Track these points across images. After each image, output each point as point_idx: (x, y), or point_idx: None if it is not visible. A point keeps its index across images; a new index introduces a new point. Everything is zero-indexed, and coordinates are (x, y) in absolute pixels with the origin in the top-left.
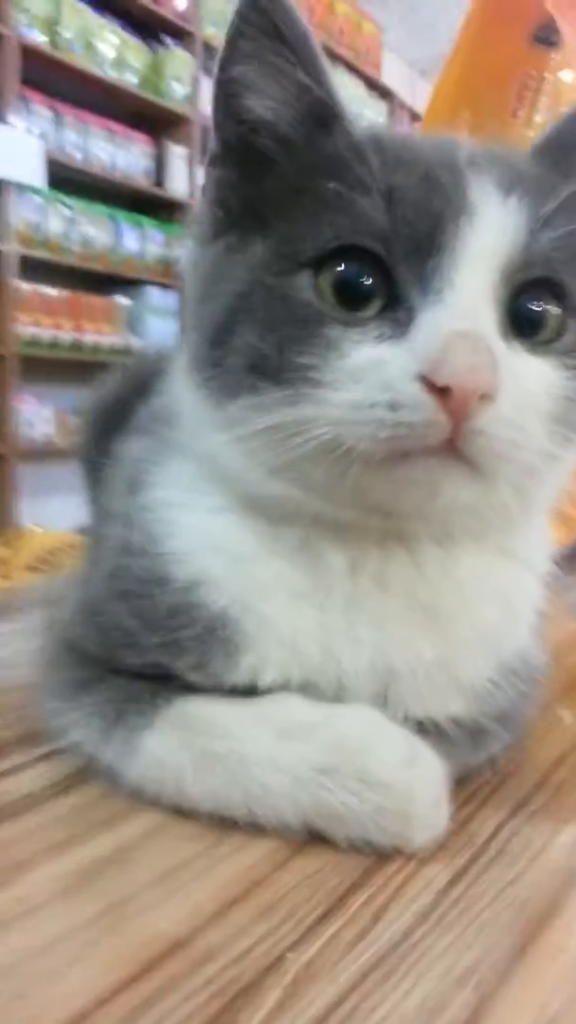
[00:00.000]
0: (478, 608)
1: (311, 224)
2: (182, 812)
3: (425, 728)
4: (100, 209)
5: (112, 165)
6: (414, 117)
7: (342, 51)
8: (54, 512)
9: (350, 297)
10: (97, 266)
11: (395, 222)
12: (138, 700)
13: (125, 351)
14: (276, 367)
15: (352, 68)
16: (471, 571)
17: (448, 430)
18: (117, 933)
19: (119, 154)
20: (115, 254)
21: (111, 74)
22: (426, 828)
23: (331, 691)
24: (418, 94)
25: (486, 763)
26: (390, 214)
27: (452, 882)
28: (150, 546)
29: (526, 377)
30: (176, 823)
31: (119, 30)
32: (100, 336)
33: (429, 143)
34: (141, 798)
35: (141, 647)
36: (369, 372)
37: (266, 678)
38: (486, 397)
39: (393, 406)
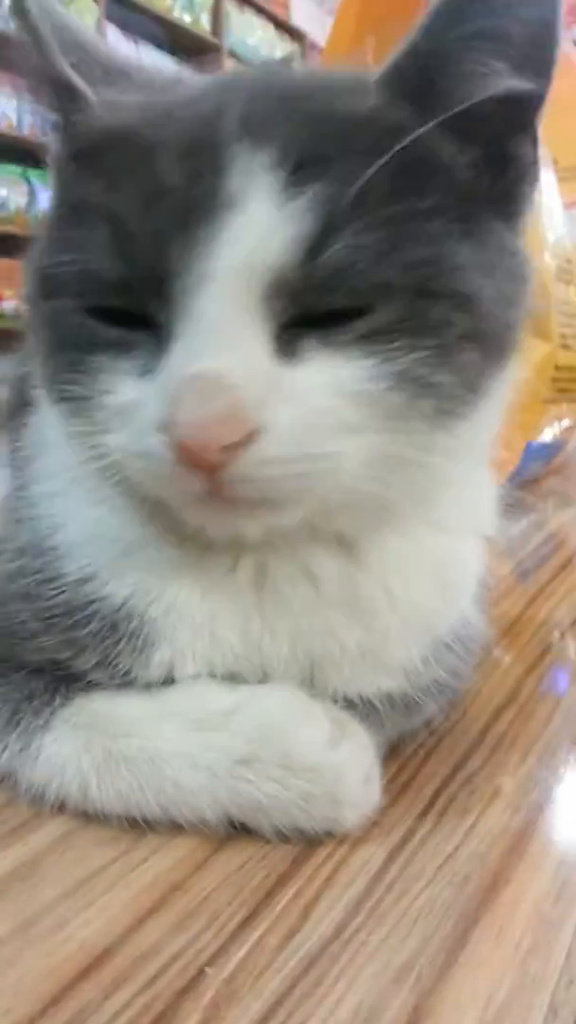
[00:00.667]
0: (407, 594)
1: (60, 263)
2: (92, 817)
3: (354, 704)
4: (11, 169)
5: (19, 123)
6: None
7: None
8: None
9: (117, 323)
10: (12, 228)
11: (127, 252)
12: (34, 698)
13: None
14: (56, 395)
15: (261, 10)
16: (398, 554)
17: (203, 481)
18: (18, 965)
19: (25, 110)
20: (30, 214)
21: (9, 25)
22: (357, 807)
23: (255, 679)
24: (328, 33)
25: (421, 726)
26: (119, 246)
27: (387, 863)
28: (40, 542)
29: (307, 391)
30: (88, 828)
31: None
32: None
33: (191, 108)
34: (43, 805)
35: (41, 646)
36: (129, 415)
37: (186, 670)
38: (232, 447)
39: (144, 456)
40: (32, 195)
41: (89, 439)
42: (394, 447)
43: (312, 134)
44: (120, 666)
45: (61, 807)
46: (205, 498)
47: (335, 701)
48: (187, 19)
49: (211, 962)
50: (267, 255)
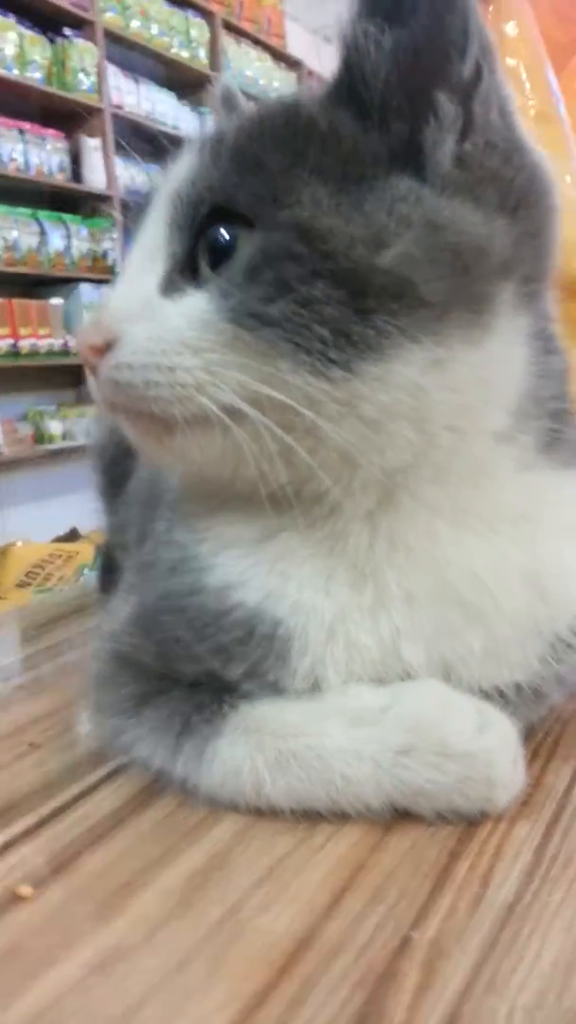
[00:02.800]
0: (506, 600)
1: None
2: (264, 812)
3: (487, 694)
4: (21, 211)
5: (26, 164)
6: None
7: (245, 25)
8: (22, 523)
9: None
10: (25, 269)
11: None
12: (203, 710)
13: (64, 352)
14: None
15: (257, 41)
16: (481, 561)
17: (96, 387)
18: (241, 940)
19: (33, 152)
20: (42, 255)
21: (14, 72)
22: (508, 788)
23: (396, 679)
24: (325, 60)
25: (547, 713)
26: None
27: (546, 836)
28: (186, 557)
29: (162, 316)
30: (262, 822)
31: (16, 25)
32: (38, 340)
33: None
34: (218, 805)
35: (195, 656)
36: None
37: (330, 681)
38: (103, 348)
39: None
40: (43, 235)
41: None
42: (253, 380)
43: (226, 126)
44: (268, 676)
45: (231, 808)
46: (111, 409)
47: (470, 692)
48: (185, 55)
49: (414, 927)
50: (173, 187)
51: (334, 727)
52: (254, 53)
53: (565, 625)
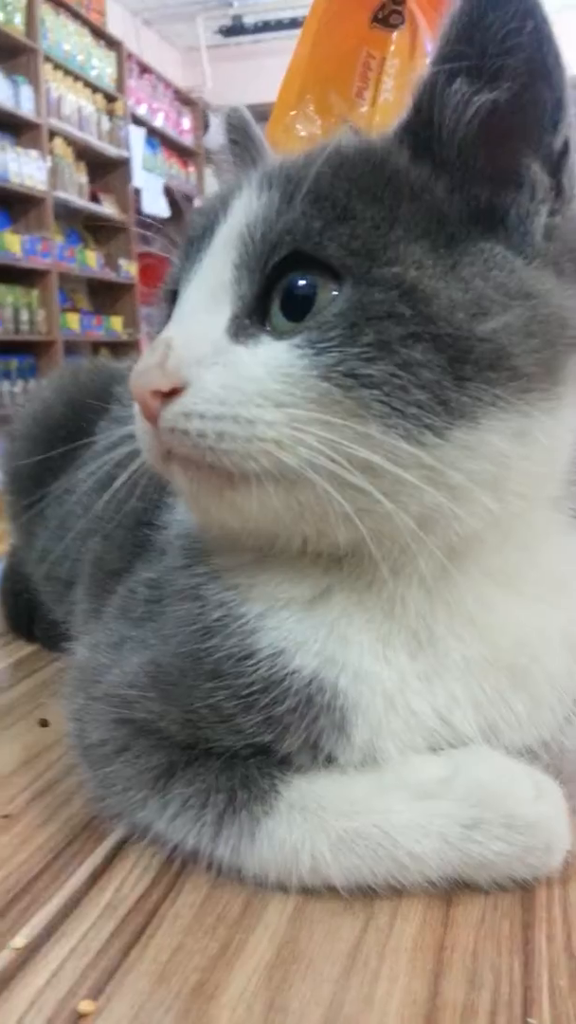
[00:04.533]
0: (549, 663)
1: None
2: (309, 891)
3: (521, 753)
4: None
5: None
6: (143, 68)
7: None
8: None
9: None
10: None
11: (181, 254)
12: (249, 786)
13: None
14: None
15: (76, 15)
16: (524, 624)
17: (153, 435)
18: None
19: None
20: None
21: None
22: (563, 851)
23: (448, 745)
24: (144, 44)
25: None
26: (181, 250)
27: None
28: (227, 620)
29: (236, 363)
30: (311, 902)
31: None
32: None
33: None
34: (264, 883)
35: (240, 729)
36: None
37: (388, 751)
38: (167, 394)
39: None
40: None
41: None
42: (341, 440)
43: (280, 168)
44: (323, 748)
45: (283, 886)
46: (164, 460)
47: (511, 752)
48: None
49: (528, 1013)
50: (238, 232)
51: (398, 803)
52: (72, 27)
53: None
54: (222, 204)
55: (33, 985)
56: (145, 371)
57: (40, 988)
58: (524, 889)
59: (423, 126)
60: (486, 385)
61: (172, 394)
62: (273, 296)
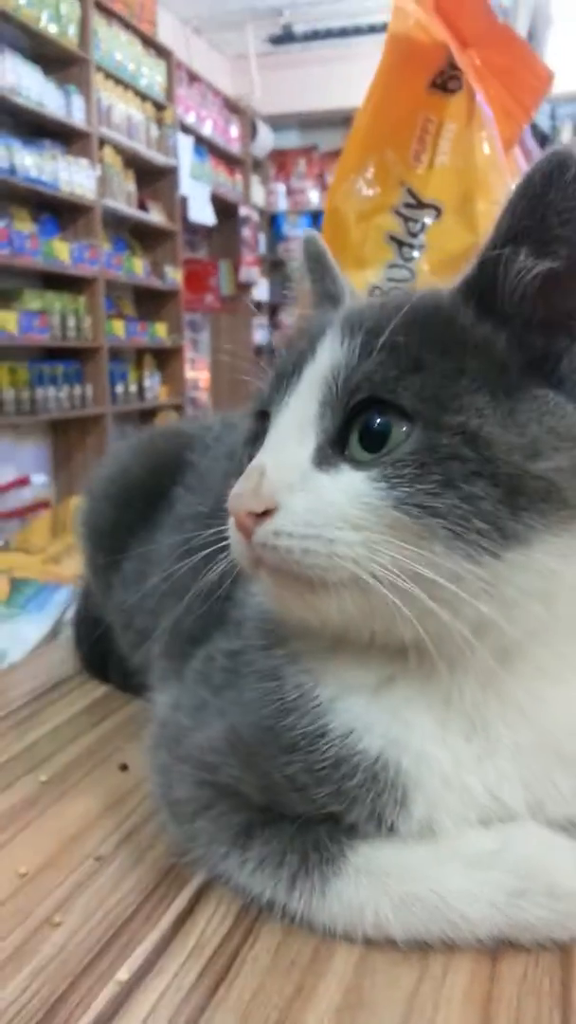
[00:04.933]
0: None
1: None
2: (372, 942)
3: (564, 826)
4: None
5: None
6: (192, 77)
7: (117, 7)
8: None
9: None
10: None
11: (271, 383)
12: (320, 850)
13: None
14: None
15: (127, 25)
16: (571, 710)
17: (246, 546)
18: None
19: None
20: None
21: None
22: None
23: (498, 820)
24: (193, 52)
25: None
26: (270, 379)
27: None
28: (303, 701)
29: (320, 490)
30: (374, 952)
31: None
32: None
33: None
34: (332, 934)
35: (312, 799)
36: None
37: (443, 825)
38: (255, 515)
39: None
40: None
41: None
42: (409, 559)
43: (361, 317)
44: (386, 819)
45: (350, 938)
46: (254, 566)
47: (556, 826)
48: (54, 30)
49: None
50: (326, 374)
51: (453, 871)
52: (124, 37)
53: None
54: (310, 346)
55: (138, 1016)
56: (242, 494)
57: (143, 1020)
58: (563, 950)
59: (488, 288)
60: (538, 515)
61: (264, 514)
62: (352, 429)
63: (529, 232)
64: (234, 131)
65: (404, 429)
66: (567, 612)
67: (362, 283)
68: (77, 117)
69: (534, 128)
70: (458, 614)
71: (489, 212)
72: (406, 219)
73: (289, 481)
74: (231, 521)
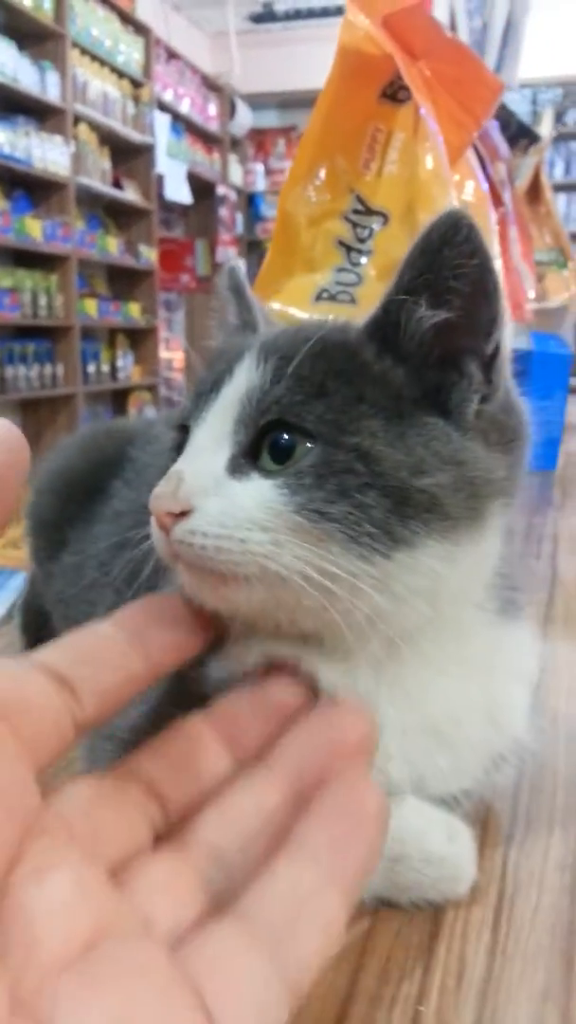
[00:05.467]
0: (467, 726)
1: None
2: None
3: (447, 801)
4: None
5: None
6: (171, 54)
7: None
8: None
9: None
10: None
11: (193, 398)
12: None
13: None
14: None
15: (106, 1)
16: (450, 696)
17: (166, 542)
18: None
19: None
20: None
21: None
22: (468, 880)
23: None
24: (172, 29)
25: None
26: (192, 395)
27: (496, 918)
28: (221, 685)
29: (232, 495)
30: None
31: None
32: None
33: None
34: None
35: None
36: None
37: None
38: (172, 514)
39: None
40: None
41: None
42: (314, 558)
43: (274, 346)
44: None
45: None
46: (172, 560)
47: (438, 799)
48: (28, 3)
49: (419, 1002)
50: (239, 395)
51: None
52: (101, 12)
53: (505, 746)
54: (228, 367)
55: None
56: (162, 495)
57: None
58: (435, 910)
59: (390, 329)
60: (423, 523)
61: (182, 515)
62: (263, 444)
63: (427, 284)
64: (212, 109)
65: (308, 445)
66: (451, 612)
67: (312, 286)
68: (52, 93)
69: (506, 121)
70: (357, 600)
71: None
72: (355, 225)
73: (204, 486)
74: (152, 519)
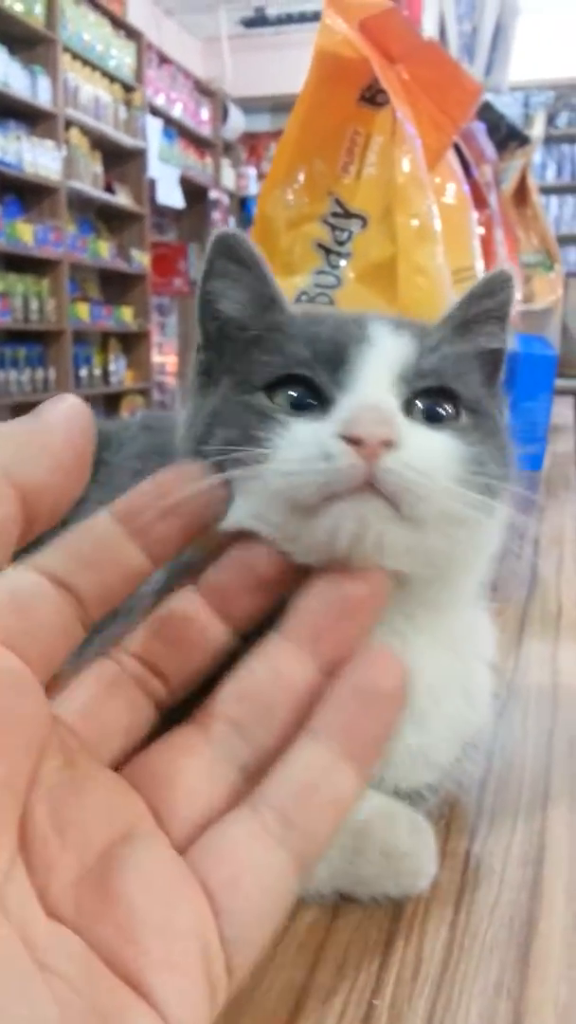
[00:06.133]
0: (445, 702)
1: (261, 364)
2: None
3: (410, 795)
4: None
5: None
6: (163, 59)
7: None
8: None
9: (301, 408)
10: None
11: (314, 353)
12: None
13: None
14: (241, 442)
15: (96, 5)
16: (434, 669)
17: (365, 470)
18: (240, 1010)
19: None
20: None
21: None
22: (428, 876)
23: None
24: (164, 34)
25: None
26: (310, 349)
27: (455, 913)
28: None
29: (426, 438)
30: None
31: None
32: None
33: (350, 314)
34: None
35: None
36: (305, 437)
37: None
38: (388, 444)
39: (326, 458)
40: None
41: (249, 466)
42: (476, 505)
43: (400, 320)
44: None
45: None
46: (359, 488)
47: (398, 793)
48: (19, 8)
49: (374, 996)
50: (394, 357)
51: None
52: (93, 17)
53: (473, 732)
54: (356, 332)
55: None
56: (375, 422)
57: None
58: (395, 905)
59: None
60: (502, 495)
61: (389, 447)
62: (414, 405)
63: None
64: (205, 114)
65: (462, 412)
66: (462, 587)
67: (291, 289)
68: (43, 98)
69: (496, 123)
70: (465, 556)
71: (407, 226)
72: (334, 228)
73: (403, 423)
74: (339, 443)
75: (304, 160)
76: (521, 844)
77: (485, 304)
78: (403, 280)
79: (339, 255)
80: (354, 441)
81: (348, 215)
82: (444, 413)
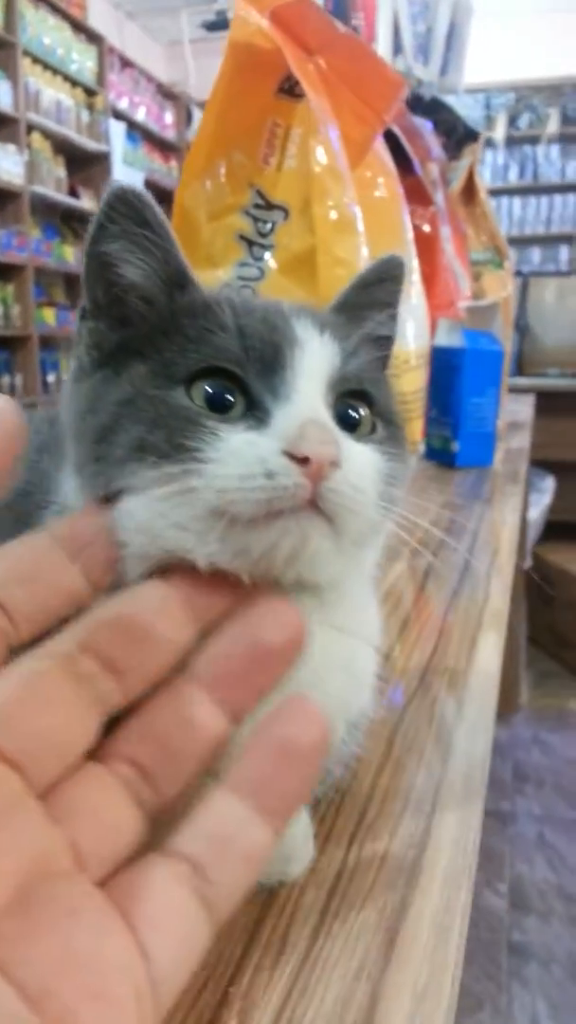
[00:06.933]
0: (328, 681)
1: (181, 353)
2: None
3: None
4: None
5: None
6: (125, 62)
7: None
8: None
9: (219, 405)
10: None
11: (246, 350)
12: None
13: None
14: (165, 448)
15: (56, 9)
16: (321, 649)
17: (309, 490)
18: None
19: None
20: None
21: None
22: (300, 862)
23: None
24: (126, 37)
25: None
26: (241, 344)
27: (328, 899)
28: None
29: (359, 454)
30: None
31: None
32: None
33: (261, 301)
34: None
35: None
36: (244, 451)
37: None
38: (334, 464)
39: (269, 475)
40: None
41: (179, 480)
42: (394, 516)
43: (321, 318)
44: None
45: None
46: (301, 507)
47: None
48: None
49: (231, 983)
50: (324, 364)
51: None
52: (53, 21)
53: (356, 712)
54: (280, 327)
55: None
56: (321, 444)
57: None
58: (270, 892)
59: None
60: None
61: (333, 465)
62: (334, 408)
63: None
64: (169, 117)
65: (367, 414)
66: (362, 568)
67: (213, 281)
68: (3, 102)
69: (453, 124)
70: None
71: (325, 217)
72: (255, 219)
73: (341, 441)
74: (284, 461)
75: (223, 152)
76: (407, 827)
77: (374, 292)
78: (323, 271)
79: (262, 247)
80: (300, 459)
81: (270, 207)
82: (356, 416)
